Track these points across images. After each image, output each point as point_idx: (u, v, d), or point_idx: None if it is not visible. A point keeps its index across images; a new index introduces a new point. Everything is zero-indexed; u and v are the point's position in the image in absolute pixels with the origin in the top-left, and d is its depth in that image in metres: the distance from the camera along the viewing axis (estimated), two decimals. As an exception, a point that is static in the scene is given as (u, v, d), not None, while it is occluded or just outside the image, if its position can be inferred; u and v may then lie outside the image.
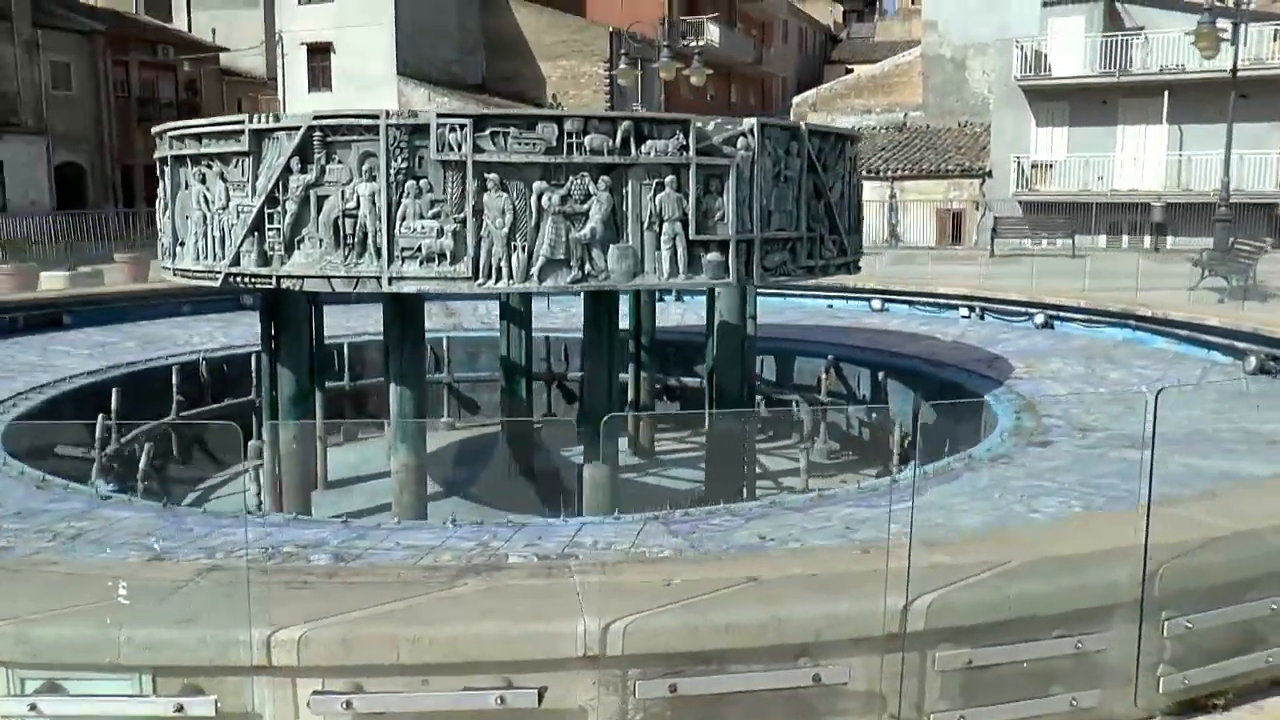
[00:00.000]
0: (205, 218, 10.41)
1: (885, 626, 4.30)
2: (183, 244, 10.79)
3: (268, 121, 9.90)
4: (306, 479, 12.00)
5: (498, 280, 9.58)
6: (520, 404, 13.91)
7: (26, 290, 21.85)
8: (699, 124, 9.93)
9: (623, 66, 31.55)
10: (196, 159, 10.44)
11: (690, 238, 9.88)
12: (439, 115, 9.43)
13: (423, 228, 9.50)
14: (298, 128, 9.70)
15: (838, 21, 68.68)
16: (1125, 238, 33.55)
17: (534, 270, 9.57)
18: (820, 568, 4.99)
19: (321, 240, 9.75)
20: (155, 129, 11.31)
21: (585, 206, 9.57)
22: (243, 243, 10.09)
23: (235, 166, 10.07)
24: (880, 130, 38.81)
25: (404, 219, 9.52)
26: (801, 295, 20.23)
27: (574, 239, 9.56)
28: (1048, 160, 34.51)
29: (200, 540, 7.49)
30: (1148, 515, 5.27)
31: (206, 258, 10.46)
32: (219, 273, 10.36)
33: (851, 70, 51.72)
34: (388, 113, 9.55)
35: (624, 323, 16.24)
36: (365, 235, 9.60)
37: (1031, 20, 35.64)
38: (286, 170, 9.77)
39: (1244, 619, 5.05)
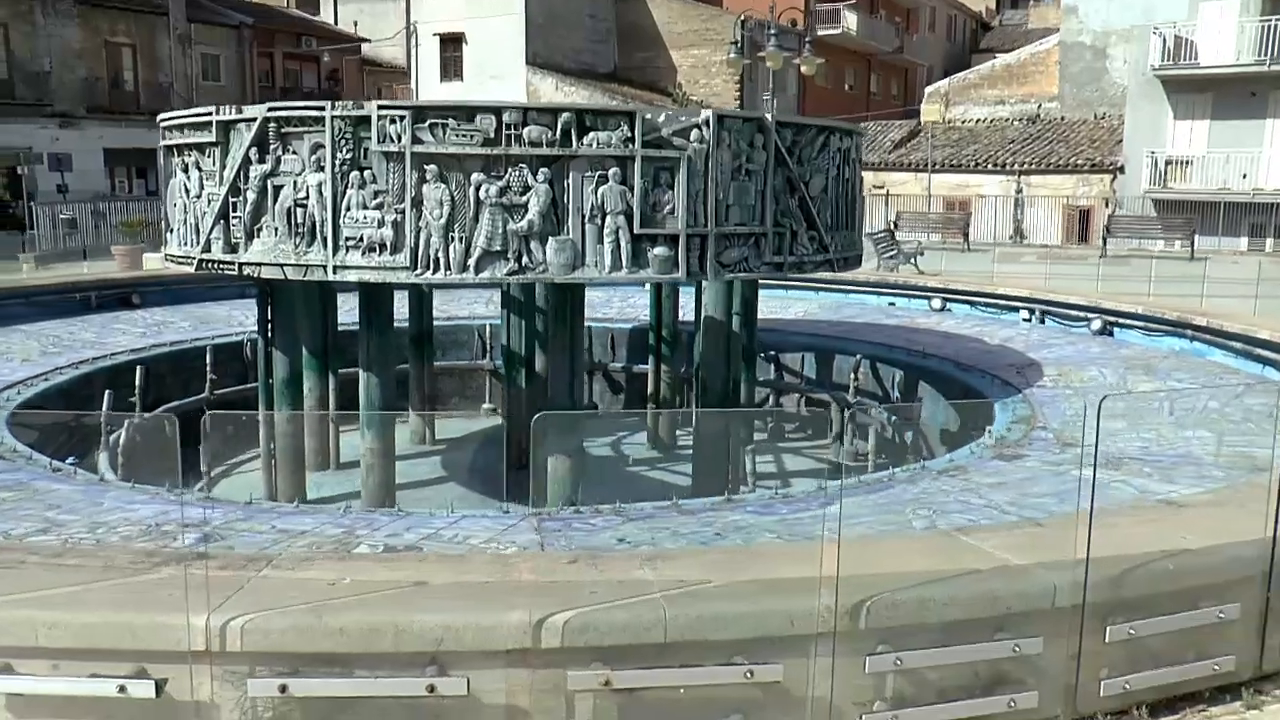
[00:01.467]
0: (185, 205, 10.85)
1: (515, 641, 4.16)
2: (172, 230, 11.27)
3: (231, 113, 10.21)
4: (299, 462, 12.34)
5: (435, 271, 9.64)
6: (520, 393, 13.94)
7: (134, 269, 23.32)
8: (647, 115, 9.75)
9: (730, 55, 31.22)
10: (180, 149, 10.87)
11: (635, 231, 9.72)
12: (380, 107, 9.53)
13: (365, 218, 9.65)
14: (254, 119, 9.99)
15: (990, 8, 66.09)
16: (1269, 241, 31.27)
17: (471, 262, 9.59)
18: (539, 575, 4.85)
19: (277, 229, 10.03)
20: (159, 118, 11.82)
21: (524, 199, 9.54)
22: (212, 230, 10.47)
23: (208, 156, 10.45)
24: (1012, 122, 37.26)
25: (348, 209, 9.69)
26: (865, 292, 19.75)
27: (511, 231, 9.54)
28: (1185, 156, 32.43)
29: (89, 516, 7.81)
30: (1090, 525, 4.93)
31: (186, 244, 10.90)
32: (194, 258, 10.79)
33: (999, 59, 49.79)
34: (333, 104, 9.73)
35: (646, 314, 16.28)
36: (314, 225, 9.83)
37: (1180, 5, 33.55)
38: (246, 160, 10.09)
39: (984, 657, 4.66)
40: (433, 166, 9.46)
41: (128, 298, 17.48)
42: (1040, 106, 37.43)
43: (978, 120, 37.64)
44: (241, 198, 10.17)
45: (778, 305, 19.59)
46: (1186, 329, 14.62)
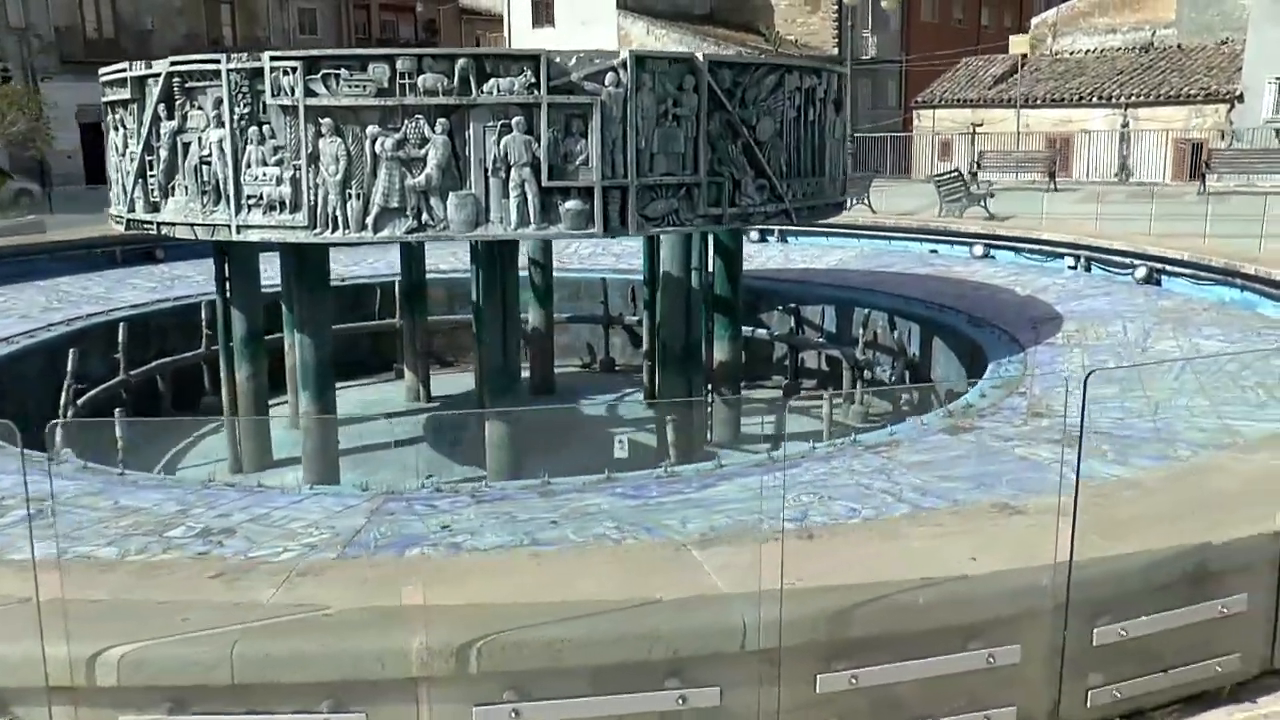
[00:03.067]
0: (115, 164, 10.65)
1: (60, 678, 3.66)
2: (110, 189, 11.10)
3: (142, 68, 9.90)
4: (262, 425, 12.12)
5: (333, 230, 9.18)
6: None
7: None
8: (555, 59, 9.02)
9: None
10: (112, 106, 10.64)
11: (544, 184, 9.05)
12: (272, 58, 9.05)
13: (265, 175, 9.24)
14: (158, 75, 9.65)
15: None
16: None
17: (369, 220, 9.10)
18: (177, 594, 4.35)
19: (187, 188, 9.73)
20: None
21: (422, 152, 8.97)
22: (134, 189, 10.25)
23: (130, 113, 10.19)
24: (1123, 52, 34.60)
25: (249, 166, 9.29)
26: (908, 238, 18.55)
27: (409, 186, 8.99)
28: (1314, 81, 29.52)
29: None
30: (1075, 514, 4.23)
31: (119, 204, 10.73)
32: (123, 218, 10.61)
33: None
34: (228, 56, 9.30)
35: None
36: (218, 183, 9.47)
37: (1315, -85, 30.39)
38: (156, 117, 9.79)
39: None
40: (327, 120, 8.96)
41: (152, 251, 17.61)
42: (1155, 34, 34.58)
43: (1086, 51, 35.05)
44: (155, 155, 9.89)
45: (814, 254, 18.63)
46: (1236, 277, 13.10)
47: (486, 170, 9.02)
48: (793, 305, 16.12)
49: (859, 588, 3.99)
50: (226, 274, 11.99)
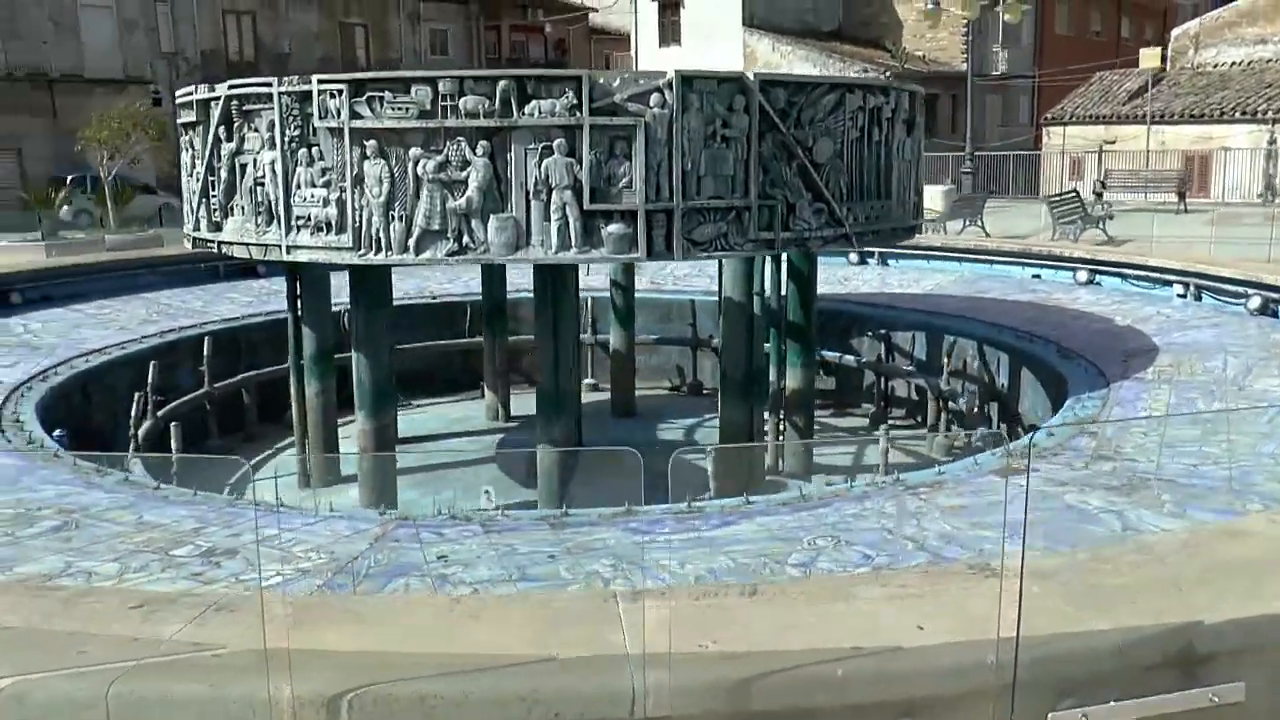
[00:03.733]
0: (186, 184, 10.95)
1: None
2: (185, 208, 11.42)
3: (205, 92, 10.14)
4: (332, 443, 12.26)
5: (377, 252, 9.21)
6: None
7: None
8: (599, 80, 8.86)
9: (929, 8, 28.93)
10: (184, 128, 10.94)
11: (585, 207, 8.89)
12: (320, 81, 9.15)
13: (313, 196, 9.34)
14: (219, 98, 9.87)
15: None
16: None
17: (411, 242, 9.09)
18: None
19: (244, 208, 9.92)
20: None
21: (464, 174, 8.92)
22: (199, 208, 10.52)
23: (196, 135, 10.46)
24: (1272, 63, 32.63)
25: (298, 187, 9.41)
26: (1009, 263, 17.77)
27: (451, 208, 8.95)
28: None
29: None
30: (1020, 582, 3.94)
31: (189, 223, 11.01)
32: (190, 236, 10.89)
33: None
34: (280, 80, 9.44)
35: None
36: (270, 203, 9.62)
37: None
38: (217, 139, 10.01)
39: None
40: (372, 142, 9.00)
41: (254, 267, 18.12)
42: (1312, 45, 32.48)
43: (1232, 63, 33.15)
44: (216, 176, 10.12)
45: (912, 277, 18.03)
46: (1360, 312, 12.07)
47: (528, 193, 8.90)
48: (883, 331, 15.60)
49: (771, 655, 3.66)
50: (298, 292, 12.17)
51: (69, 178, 28.99)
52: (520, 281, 16.97)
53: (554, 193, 8.88)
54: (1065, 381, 11.65)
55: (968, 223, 22.54)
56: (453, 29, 45.78)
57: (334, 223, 9.26)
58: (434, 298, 17.41)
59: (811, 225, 9.66)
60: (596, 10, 50.21)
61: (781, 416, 12.69)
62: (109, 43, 36.34)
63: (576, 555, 6.66)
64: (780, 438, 12.69)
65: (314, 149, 9.27)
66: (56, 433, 10.13)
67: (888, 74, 38.04)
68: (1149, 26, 45.72)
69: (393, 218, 9.07)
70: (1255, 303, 13.40)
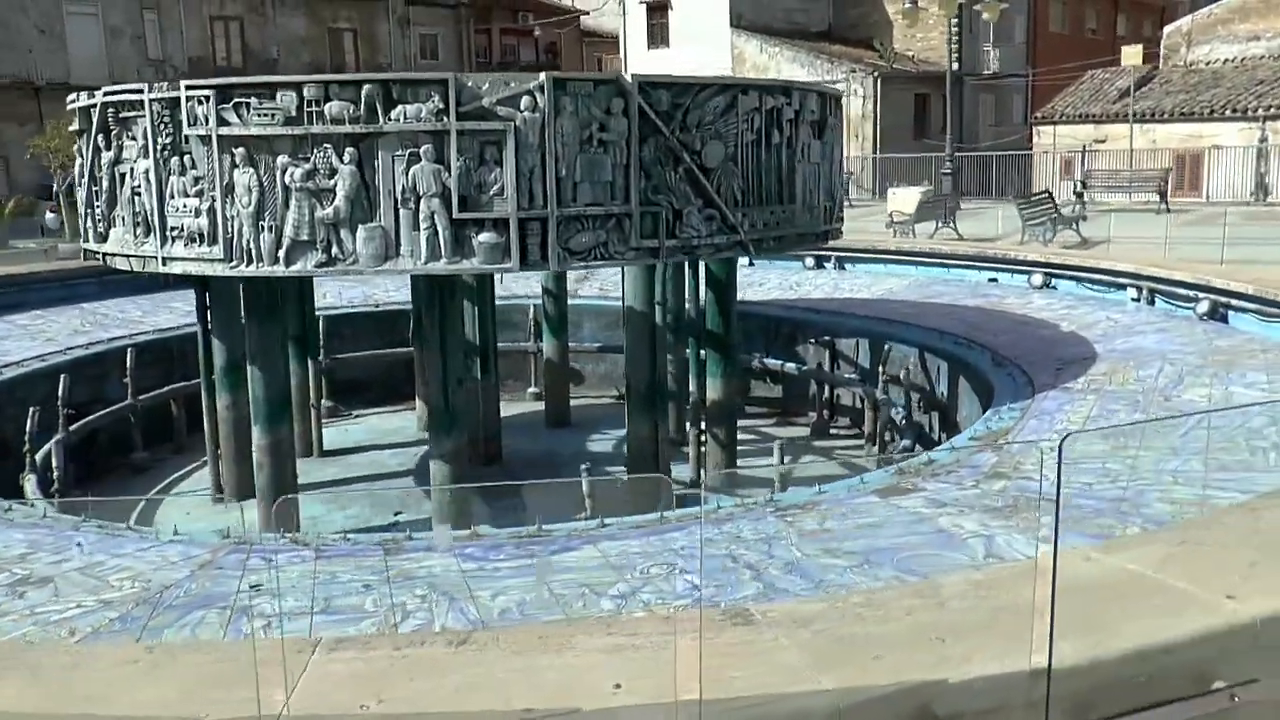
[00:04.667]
0: (79, 194, 10.69)
1: None
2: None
3: (85, 99, 9.88)
4: (244, 455, 11.95)
5: (249, 264, 8.90)
6: (475, 384, 13.00)
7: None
8: (468, 83, 8.53)
9: (906, 6, 28.48)
10: (74, 135, 10.68)
11: (454, 216, 8.56)
12: (188, 87, 8.85)
13: (186, 206, 9.06)
14: (94, 105, 9.60)
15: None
16: None
17: (281, 253, 8.79)
18: None
19: (124, 218, 9.65)
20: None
21: (331, 183, 8.61)
22: (86, 219, 10.27)
23: (83, 143, 10.19)
24: (1266, 60, 31.97)
25: (172, 197, 9.13)
26: (965, 267, 17.33)
27: (319, 218, 8.64)
28: None
29: None
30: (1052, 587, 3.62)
31: (82, 234, 10.75)
32: (82, 248, 10.63)
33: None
34: (150, 86, 9.16)
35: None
36: (146, 214, 9.34)
37: None
38: (97, 148, 9.75)
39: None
40: (240, 150, 8.70)
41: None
42: (1307, 40, 31.78)
43: (1225, 60, 32.47)
44: (99, 186, 9.86)
45: (865, 282, 17.64)
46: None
47: (396, 201, 8.59)
48: (827, 338, 15.23)
49: (431, 718, 3.32)
50: (206, 303, 11.88)
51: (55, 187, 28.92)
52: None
53: (422, 201, 8.56)
54: (989, 392, 11.26)
55: (939, 225, 22.08)
56: (442, 33, 45.56)
57: (206, 233, 8.97)
58: (376, 306, 17.14)
59: (701, 232, 9.30)
60: (588, 13, 49.91)
61: (703, 428, 12.31)
62: (95, 50, 36.34)
63: (394, 584, 6.33)
64: (702, 450, 12.31)
65: (186, 157, 8.98)
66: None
67: (875, 74, 37.61)
68: (1146, 23, 45.02)
69: (262, 228, 8.77)
70: (1204, 307, 12.96)
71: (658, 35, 43.69)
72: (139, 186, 9.35)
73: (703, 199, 9.28)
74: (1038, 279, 15.73)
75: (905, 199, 23.32)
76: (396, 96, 8.51)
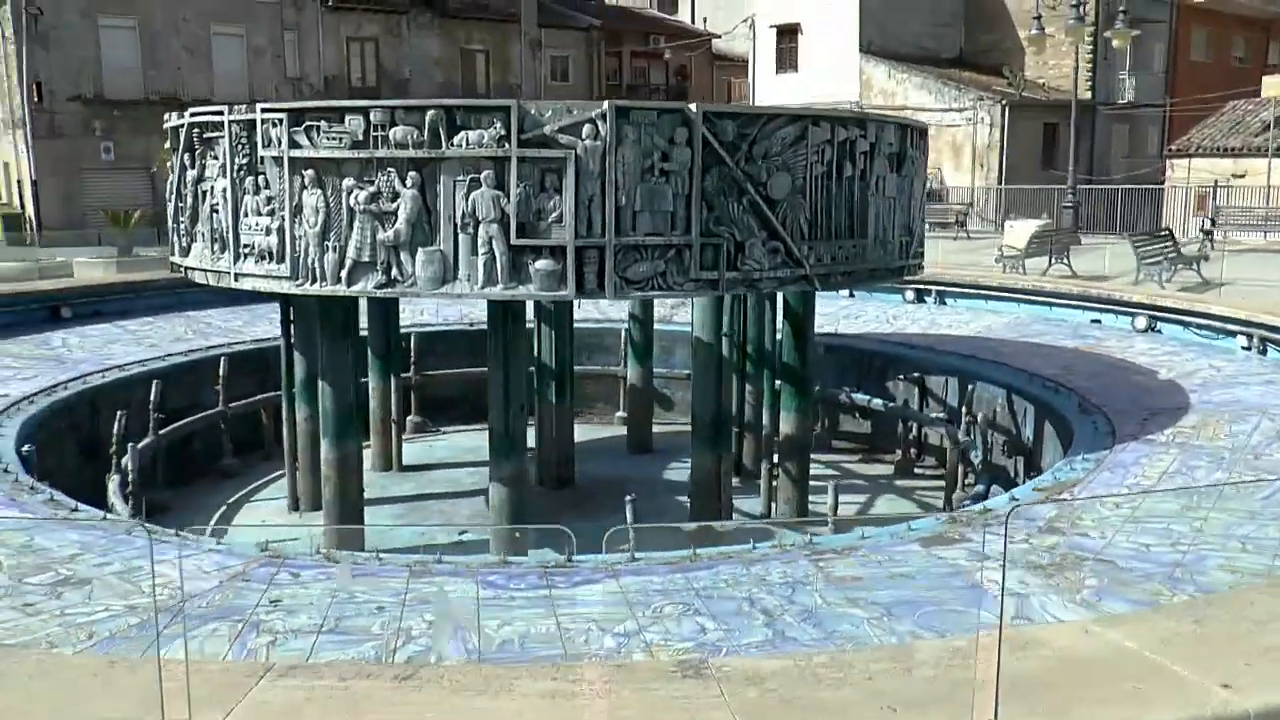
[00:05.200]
0: (168, 209, 11.14)
1: None
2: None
3: (175, 119, 10.30)
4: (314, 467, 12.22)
5: (313, 282, 9.13)
6: (550, 409, 13.06)
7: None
8: (531, 110, 8.59)
9: (1033, 33, 27.65)
10: (170, 152, 11.13)
11: (512, 241, 8.62)
12: (264, 110, 9.15)
13: (258, 225, 9.35)
14: (182, 125, 10.00)
15: None
16: None
17: (343, 273, 8.99)
18: None
19: (204, 234, 10.01)
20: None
21: (394, 206, 8.78)
22: (173, 234, 10.69)
23: (173, 161, 10.63)
24: None
25: (245, 215, 9.44)
26: (1068, 306, 16.68)
27: (380, 240, 8.81)
28: None
29: None
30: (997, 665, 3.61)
31: (170, 247, 11.19)
32: (170, 261, 11.07)
33: None
34: (230, 109, 9.49)
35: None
36: (223, 231, 9.68)
37: None
38: (183, 166, 10.15)
39: None
40: (310, 171, 8.95)
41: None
42: None
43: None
44: (184, 202, 10.26)
45: (964, 319, 17.14)
46: None
47: (456, 226, 8.70)
48: (917, 375, 14.82)
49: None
50: (290, 318, 12.24)
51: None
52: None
53: (481, 226, 8.65)
54: (1067, 439, 10.78)
55: (1052, 261, 21.30)
56: (574, 55, 46.24)
57: (274, 251, 9.24)
58: (470, 325, 17.37)
59: (764, 265, 9.15)
60: (719, 36, 49.96)
61: (775, 462, 12.10)
62: (238, 69, 38.00)
63: (409, 607, 6.36)
64: (774, 485, 12.10)
65: (260, 178, 9.28)
66: (25, 448, 10.34)
67: (1003, 101, 36.65)
68: (1302, 52, 42.78)
69: (327, 248, 8.98)
70: (1317, 359, 12.16)
71: (786, 60, 43.47)
72: (217, 204, 9.70)
73: (767, 231, 9.13)
74: (1141, 322, 15.03)
75: (1020, 233, 22.59)
76: (460, 122, 8.62)
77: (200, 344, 15.30)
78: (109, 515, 8.42)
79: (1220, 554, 7.29)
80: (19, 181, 36.88)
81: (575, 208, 8.58)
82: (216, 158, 9.73)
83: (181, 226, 10.39)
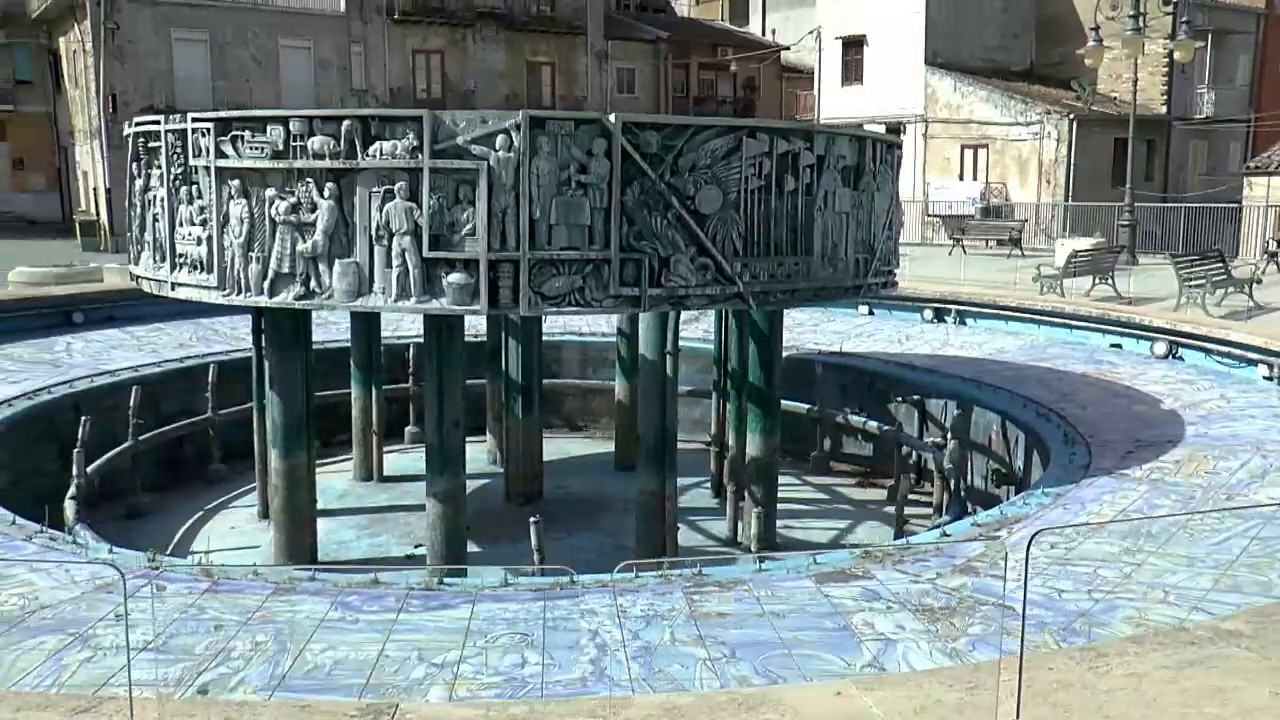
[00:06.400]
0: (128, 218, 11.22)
1: None
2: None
3: (127, 129, 10.36)
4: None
5: (238, 293, 9.08)
6: (518, 424, 12.84)
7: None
8: (444, 120, 8.41)
9: (1089, 45, 26.64)
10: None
11: (425, 254, 8.45)
12: (193, 119, 9.13)
13: (190, 235, 9.35)
14: (128, 135, 10.06)
15: None
16: None
17: (266, 284, 8.92)
18: None
19: (149, 243, 10.05)
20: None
21: (313, 217, 8.68)
22: (130, 243, 10.77)
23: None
24: None
25: (180, 225, 9.44)
26: (1087, 329, 15.90)
27: (300, 252, 8.72)
28: None
29: None
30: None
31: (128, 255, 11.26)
32: (128, 269, 11.16)
33: None
34: (166, 118, 9.51)
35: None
36: (162, 240, 9.70)
37: None
38: (131, 175, 10.21)
39: None
40: (236, 182, 8.91)
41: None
42: None
43: None
44: (134, 211, 10.32)
45: (978, 340, 16.49)
46: None
47: (371, 238, 8.56)
48: (916, 397, 14.26)
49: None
50: (261, 327, 12.23)
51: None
52: (555, 325, 16.75)
53: (394, 238, 8.49)
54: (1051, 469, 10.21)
55: (1096, 281, 20.41)
56: (640, 67, 46.17)
57: (204, 261, 9.23)
58: (474, 336, 17.26)
59: (690, 281, 8.82)
60: (788, 48, 49.41)
61: (735, 487, 11.71)
62: (305, 80, 38.75)
63: (251, 626, 6.19)
64: (739, 508, 11.71)
65: (194, 187, 9.27)
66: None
67: (1070, 116, 35.44)
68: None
69: (251, 259, 8.93)
70: (1331, 392, 11.32)
71: (852, 72, 42.75)
72: (158, 214, 9.72)
73: (696, 247, 8.80)
74: (1161, 347, 14.22)
75: (1065, 252, 21.74)
76: (375, 133, 8.49)
77: (201, 350, 15.45)
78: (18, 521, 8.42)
79: (1136, 604, 6.74)
80: (95, 190, 38.16)
81: (489, 220, 8.38)
82: (159, 168, 9.76)
83: (133, 235, 10.46)
